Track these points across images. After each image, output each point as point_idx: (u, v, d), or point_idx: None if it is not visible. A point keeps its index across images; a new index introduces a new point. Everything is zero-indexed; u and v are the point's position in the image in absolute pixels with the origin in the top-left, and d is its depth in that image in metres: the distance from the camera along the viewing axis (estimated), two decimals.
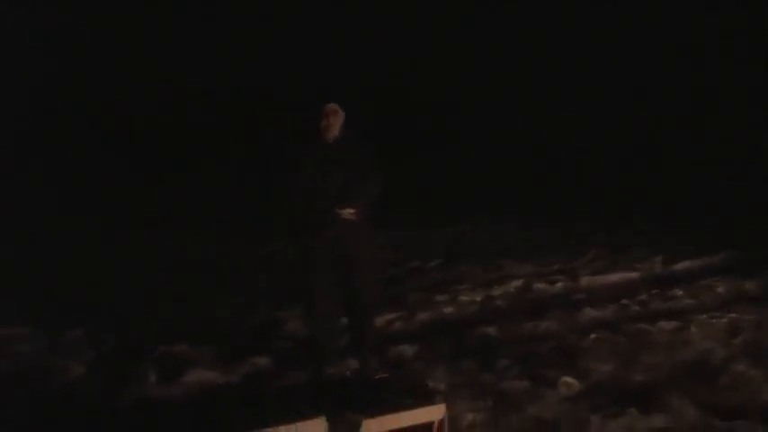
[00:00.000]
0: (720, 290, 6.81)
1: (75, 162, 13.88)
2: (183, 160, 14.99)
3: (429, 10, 17.35)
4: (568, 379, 4.59)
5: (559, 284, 7.22)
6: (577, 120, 17.09)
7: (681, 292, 6.76)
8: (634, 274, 7.60)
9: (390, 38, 17.09)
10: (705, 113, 15.94)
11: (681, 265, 7.95)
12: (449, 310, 6.33)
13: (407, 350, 5.16)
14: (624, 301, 6.47)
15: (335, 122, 4.38)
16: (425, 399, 3.72)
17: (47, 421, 3.84)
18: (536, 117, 17.26)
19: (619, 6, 16.82)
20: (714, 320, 5.78)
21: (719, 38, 15.82)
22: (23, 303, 6.24)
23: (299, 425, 3.32)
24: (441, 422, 3.59)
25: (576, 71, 17.47)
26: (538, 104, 17.42)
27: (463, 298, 6.66)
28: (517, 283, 7.22)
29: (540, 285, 7.18)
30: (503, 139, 16.62)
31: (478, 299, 6.67)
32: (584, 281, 7.37)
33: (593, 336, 5.44)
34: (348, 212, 4.28)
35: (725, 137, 15.49)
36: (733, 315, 5.91)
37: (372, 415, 3.43)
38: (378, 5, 16.76)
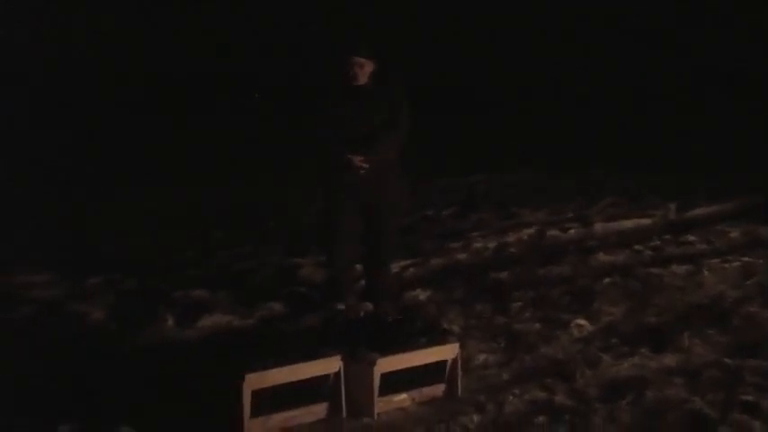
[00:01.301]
0: (734, 234, 6.82)
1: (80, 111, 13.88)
2: (194, 104, 14.92)
3: None
4: (580, 321, 4.64)
5: (572, 231, 7.25)
6: (590, 65, 16.91)
7: (694, 238, 6.77)
8: (647, 221, 7.61)
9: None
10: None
11: (695, 212, 7.95)
12: (462, 256, 6.38)
13: (421, 294, 5.23)
14: (637, 247, 6.50)
15: (361, 73, 4.34)
16: (439, 339, 3.78)
17: (64, 365, 3.93)
18: (548, 66, 17.09)
19: None
20: (727, 264, 5.81)
21: None
22: (40, 248, 6.34)
23: (315, 362, 3.40)
24: (454, 361, 3.65)
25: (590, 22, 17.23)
26: (548, 51, 17.23)
27: (476, 245, 6.70)
28: (530, 231, 7.25)
29: (553, 232, 7.21)
30: (517, 91, 16.52)
31: (492, 246, 6.71)
32: (598, 228, 7.40)
33: (605, 280, 5.49)
34: (359, 160, 4.30)
35: (740, 81, 15.33)
36: (746, 259, 5.93)
37: (387, 353, 3.49)
38: None
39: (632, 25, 17.20)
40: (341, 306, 4.48)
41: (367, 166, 4.30)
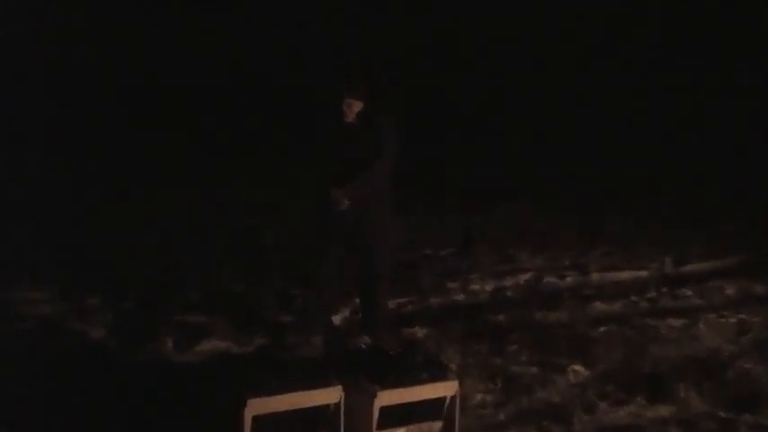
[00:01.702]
0: (730, 291, 6.89)
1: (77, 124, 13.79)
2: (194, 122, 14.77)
3: None
4: (577, 366, 4.70)
5: (569, 279, 7.32)
6: (596, 105, 16.94)
7: (690, 292, 6.84)
8: (644, 273, 7.67)
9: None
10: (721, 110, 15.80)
11: (691, 267, 8.02)
12: (460, 296, 6.44)
13: (419, 332, 5.29)
14: (633, 298, 6.57)
15: (350, 112, 4.57)
16: (439, 375, 3.82)
17: (63, 384, 3.94)
18: (555, 104, 17.11)
19: None
20: (722, 320, 5.87)
21: None
22: (38, 263, 6.35)
23: (317, 391, 3.43)
24: (453, 398, 3.69)
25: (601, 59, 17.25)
26: (556, 90, 17.27)
27: (474, 286, 6.77)
28: (527, 276, 7.31)
29: (550, 279, 7.27)
30: (522, 128, 16.53)
31: (489, 288, 6.78)
32: (594, 277, 7.46)
33: (602, 328, 5.55)
34: (339, 197, 4.42)
35: (739, 135, 15.40)
36: (742, 315, 6.00)
37: (387, 386, 3.53)
38: None
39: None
40: (315, 332, 4.58)
41: (347, 202, 4.45)
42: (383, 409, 3.48)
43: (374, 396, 3.47)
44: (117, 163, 11.64)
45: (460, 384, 3.81)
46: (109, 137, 13.21)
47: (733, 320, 5.85)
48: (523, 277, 7.25)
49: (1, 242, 6.62)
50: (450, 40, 17.11)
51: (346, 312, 5.71)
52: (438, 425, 3.68)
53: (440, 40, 17.11)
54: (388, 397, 3.51)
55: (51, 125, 13.23)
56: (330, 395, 3.46)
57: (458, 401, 3.69)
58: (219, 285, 6.18)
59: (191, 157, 12.15)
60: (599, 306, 6.27)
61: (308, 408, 3.40)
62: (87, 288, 5.63)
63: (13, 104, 11.59)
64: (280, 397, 3.33)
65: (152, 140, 13.26)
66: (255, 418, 3.25)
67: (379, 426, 3.49)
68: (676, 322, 5.77)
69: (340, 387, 3.48)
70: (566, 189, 12.54)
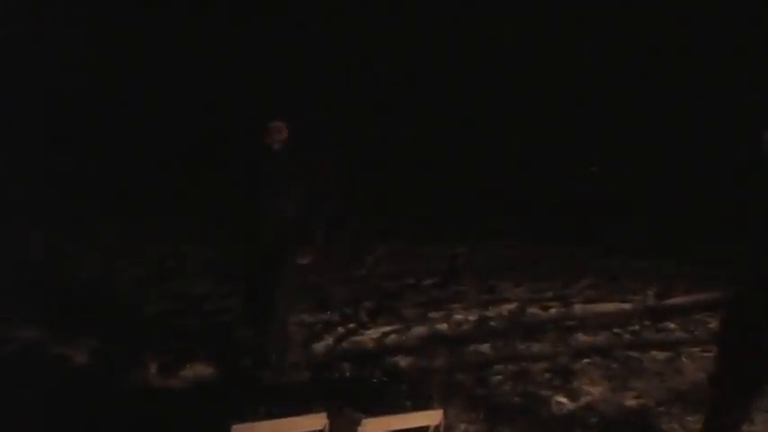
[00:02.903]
0: (713, 324, 6.99)
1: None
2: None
3: None
4: (560, 398, 4.77)
5: (553, 310, 7.40)
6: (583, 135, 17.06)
7: (673, 325, 6.95)
8: (627, 306, 7.78)
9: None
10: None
11: (673, 300, 8.14)
12: (443, 326, 6.50)
13: (402, 361, 5.34)
14: (616, 330, 6.66)
15: (278, 139, 4.71)
16: (423, 404, 3.88)
17: (48, 407, 3.96)
18: (537, 135, 17.25)
19: None
20: (706, 353, 5.96)
21: None
22: (20, 286, 6.37)
23: (301, 418, 3.47)
24: (437, 428, 3.74)
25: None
26: (536, 120, 17.42)
27: (457, 316, 6.83)
28: (511, 307, 7.39)
29: (533, 310, 7.36)
30: (505, 158, 16.66)
31: (472, 318, 6.84)
32: (577, 309, 7.55)
33: (585, 360, 5.63)
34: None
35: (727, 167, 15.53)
36: None
37: (372, 414, 3.58)
38: None
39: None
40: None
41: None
42: None
43: (359, 424, 3.52)
44: (101, 188, 11.69)
45: (444, 414, 3.87)
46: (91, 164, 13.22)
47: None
48: (507, 308, 7.33)
49: None
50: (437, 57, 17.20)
51: (330, 340, 5.77)
52: None
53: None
54: (373, 425, 3.56)
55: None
56: (315, 422, 3.50)
57: (441, 430, 3.75)
58: (203, 311, 6.22)
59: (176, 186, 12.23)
60: (582, 338, 6.35)
61: None
62: (70, 311, 5.65)
63: None
64: (264, 423, 3.37)
65: (136, 171, 13.35)
66: None
67: None
68: (660, 355, 5.86)
69: (325, 414, 3.52)
70: (549, 220, 12.70)
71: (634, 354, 5.86)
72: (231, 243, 4.76)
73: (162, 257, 8.44)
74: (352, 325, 6.22)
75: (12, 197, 10.35)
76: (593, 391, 4.98)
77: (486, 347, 5.87)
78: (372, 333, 6.05)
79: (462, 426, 4.24)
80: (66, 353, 4.81)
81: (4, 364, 4.60)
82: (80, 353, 4.82)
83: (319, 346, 5.60)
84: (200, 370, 4.70)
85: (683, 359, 5.76)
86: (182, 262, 8.26)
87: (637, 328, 6.80)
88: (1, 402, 3.94)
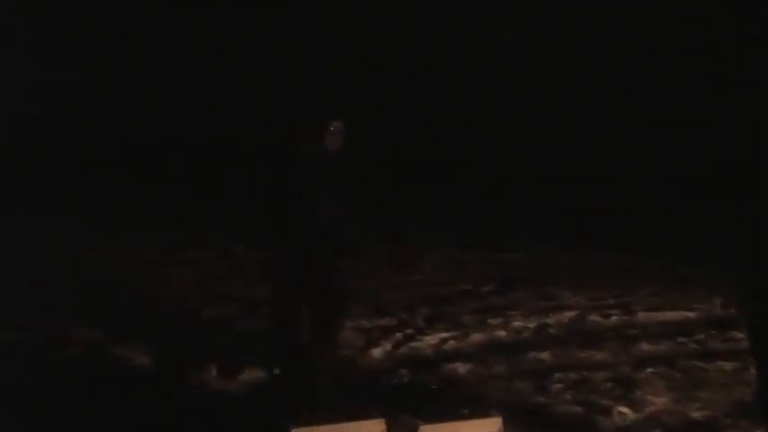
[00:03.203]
0: None
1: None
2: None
3: None
4: (623, 408, 4.68)
5: (614, 318, 7.28)
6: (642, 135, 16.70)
7: (741, 335, 6.75)
8: (692, 314, 7.60)
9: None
10: None
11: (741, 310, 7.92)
12: (502, 333, 6.45)
13: (461, 368, 5.31)
14: (681, 339, 6.51)
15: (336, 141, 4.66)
16: (481, 412, 3.85)
17: (111, 408, 4.04)
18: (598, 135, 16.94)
19: None
20: None
21: None
22: (81, 291, 6.52)
23: (359, 423, 3.47)
24: None
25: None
26: (597, 118, 17.12)
27: (516, 323, 6.77)
28: (571, 314, 7.30)
29: (594, 317, 7.25)
30: (561, 162, 16.45)
31: (531, 325, 6.78)
32: (640, 316, 7.41)
33: (648, 369, 5.52)
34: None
35: None
36: None
37: (429, 421, 3.56)
38: None
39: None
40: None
41: None
42: None
43: (416, 430, 3.51)
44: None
45: (503, 422, 3.83)
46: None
47: None
48: (567, 315, 7.23)
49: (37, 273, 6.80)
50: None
51: (387, 346, 5.77)
52: None
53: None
54: None
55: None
56: (373, 428, 3.50)
57: None
58: (261, 314, 6.27)
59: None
60: (645, 347, 6.23)
61: None
62: (131, 316, 5.77)
63: None
64: (323, 427, 3.38)
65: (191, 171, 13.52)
66: None
67: None
68: (726, 365, 5.71)
69: (383, 420, 3.52)
70: (608, 225, 12.48)
71: (699, 363, 5.72)
72: (280, 246, 4.70)
73: (219, 260, 8.55)
74: (409, 331, 6.21)
75: (65, 200, 10.66)
76: (657, 401, 4.87)
77: (545, 355, 5.80)
78: (430, 339, 6.03)
79: None
80: (126, 355, 4.90)
81: (67, 367, 4.71)
82: (139, 356, 4.91)
83: (377, 352, 5.61)
84: (258, 374, 4.74)
85: (752, 369, 5.59)
86: (239, 265, 8.35)
87: (702, 337, 6.63)
88: (65, 403, 4.04)
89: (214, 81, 16.01)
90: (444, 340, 6.00)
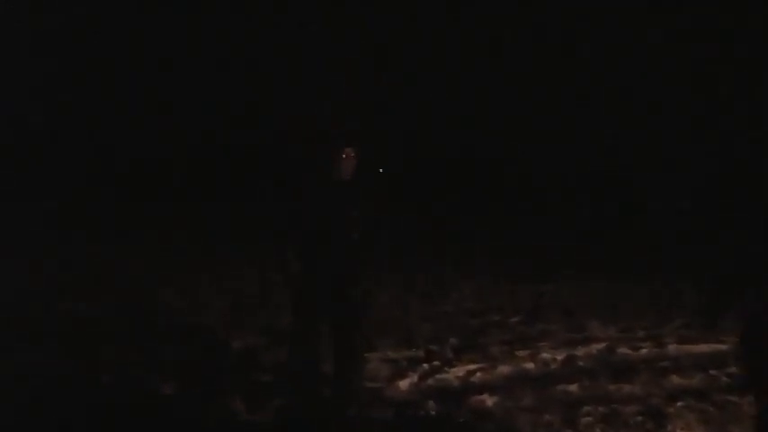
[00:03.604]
0: None
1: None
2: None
3: None
4: None
5: (644, 350, 7.22)
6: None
7: None
8: (724, 346, 7.51)
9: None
10: None
11: None
12: (530, 365, 6.42)
13: (488, 400, 5.29)
14: (713, 372, 6.43)
15: (347, 166, 4.64)
16: None
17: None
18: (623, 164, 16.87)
19: None
20: None
21: None
22: (107, 318, 6.60)
23: None
24: None
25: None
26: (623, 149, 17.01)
27: (544, 355, 6.73)
28: (600, 346, 7.25)
29: (624, 350, 7.19)
30: (590, 193, 16.40)
31: (560, 357, 6.73)
32: (671, 349, 7.34)
33: (679, 403, 5.46)
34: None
35: None
36: None
37: None
38: None
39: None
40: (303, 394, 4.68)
41: None
42: None
43: None
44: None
45: None
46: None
47: None
48: (596, 347, 7.19)
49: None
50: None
51: (414, 377, 5.77)
52: None
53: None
54: None
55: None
56: None
57: None
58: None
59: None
60: (676, 380, 6.16)
61: None
62: (158, 342, 5.83)
63: None
64: None
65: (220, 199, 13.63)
66: None
67: None
68: None
69: None
70: (637, 256, 12.40)
71: (732, 397, 5.64)
72: (308, 275, 4.72)
73: (247, 289, 8.60)
74: (437, 362, 6.20)
75: (93, 222, 10.82)
76: None
77: (574, 387, 5.76)
78: (458, 371, 6.02)
79: None
80: (155, 384, 4.95)
81: (96, 394, 4.76)
82: (169, 384, 4.95)
83: (404, 383, 5.60)
84: (286, 403, 4.76)
85: None
86: (268, 293, 8.40)
87: (734, 370, 6.55)
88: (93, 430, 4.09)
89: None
90: (472, 372, 5.98)
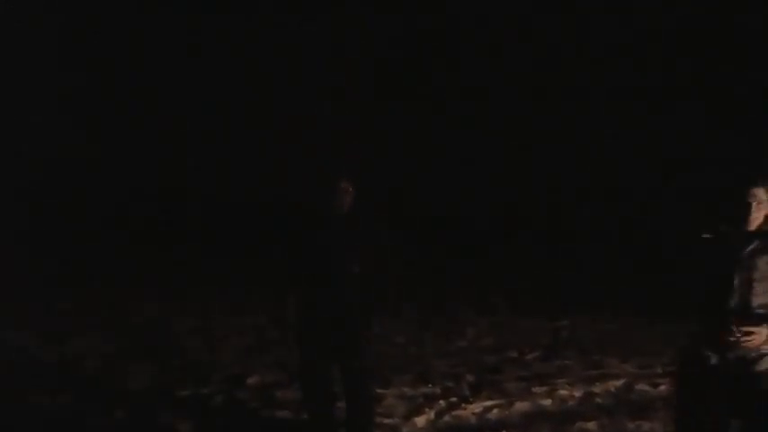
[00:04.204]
0: None
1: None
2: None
3: None
4: None
5: (663, 387, 7.17)
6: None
7: None
8: None
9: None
10: None
11: None
12: (547, 402, 6.40)
13: None
14: None
15: (346, 201, 4.73)
16: None
17: None
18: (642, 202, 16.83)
19: None
20: None
21: None
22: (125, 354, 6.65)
23: None
24: None
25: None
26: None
27: (562, 392, 6.71)
28: (618, 383, 7.21)
29: (642, 386, 7.15)
30: (608, 223, 16.35)
31: (578, 394, 6.71)
32: None
33: None
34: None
35: None
36: None
37: None
38: None
39: None
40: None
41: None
42: None
43: None
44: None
45: None
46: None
47: None
48: (614, 384, 7.15)
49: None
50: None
51: (431, 414, 5.76)
52: None
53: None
54: None
55: None
56: None
57: None
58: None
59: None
60: None
61: None
62: (176, 382, 5.86)
63: None
64: None
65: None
66: None
67: None
68: None
69: None
70: (655, 292, 12.31)
71: None
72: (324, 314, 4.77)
73: (263, 326, 8.63)
74: (453, 399, 6.20)
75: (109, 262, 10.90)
76: None
77: (592, 425, 5.74)
78: (474, 407, 6.01)
79: None
80: (170, 421, 4.97)
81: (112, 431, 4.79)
82: (184, 423, 4.97)
83: (420, 420, 5.60)
84: None
85: None
86: (283, 330, 8.42)
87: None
88: None
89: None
90: (489, 408, 5.97)
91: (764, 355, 3.79)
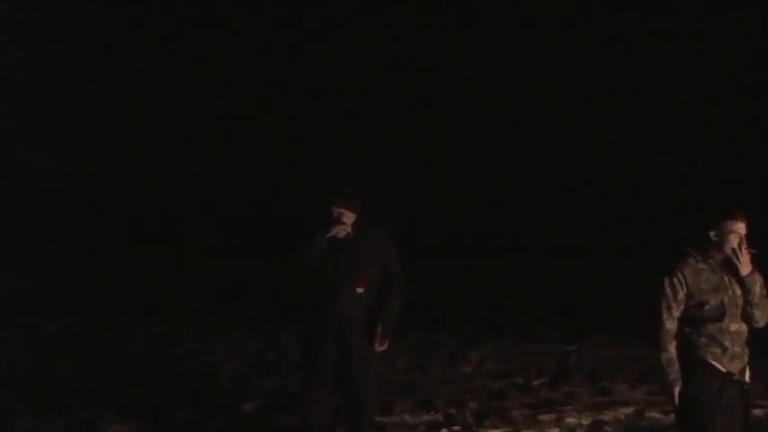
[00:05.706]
0: None
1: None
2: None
3: None
4: None
5: (673, 414, 7.07)
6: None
7: None
8: (758, 411, 7.35)
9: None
10: None
11: None
12: (554, 430, 6.32)
13: None
14: None
15: (347, 222, 4.70)
16: None
17: None
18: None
19: None
20: None
21: None
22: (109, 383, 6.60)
23: None
24: None
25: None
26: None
27: (570, 419, 6.63)
28: (627, 410, 7.13)
29: (653, 414, 7.06)
30: (619, 248, 16.33)
31: (586, 422, 6.63)
32: None
33: None
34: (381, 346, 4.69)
35: None
36: None
37: None
38: None
39: None
40: None
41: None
42: None
43: None
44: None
45: None
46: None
47: None
48: (624, 411, 7.08)
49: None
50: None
51: None
52: None
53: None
54: None
55: None
56: None
57: None
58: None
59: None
60: None
61: None
62: (174, 408, 5.80)
63: None
64: None
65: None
66: None
67: None
68: None
69: None
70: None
71: None
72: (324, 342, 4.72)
73: (262, 351, 8.58)
74: (457, 427, 6.13)
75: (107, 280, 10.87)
76: None
77: None
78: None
79: None
80: None
81: None
82: None
83: None
84: None
85: None
86: (282, 356, 8.36)
87: None
88: None
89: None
90: None
91: None
